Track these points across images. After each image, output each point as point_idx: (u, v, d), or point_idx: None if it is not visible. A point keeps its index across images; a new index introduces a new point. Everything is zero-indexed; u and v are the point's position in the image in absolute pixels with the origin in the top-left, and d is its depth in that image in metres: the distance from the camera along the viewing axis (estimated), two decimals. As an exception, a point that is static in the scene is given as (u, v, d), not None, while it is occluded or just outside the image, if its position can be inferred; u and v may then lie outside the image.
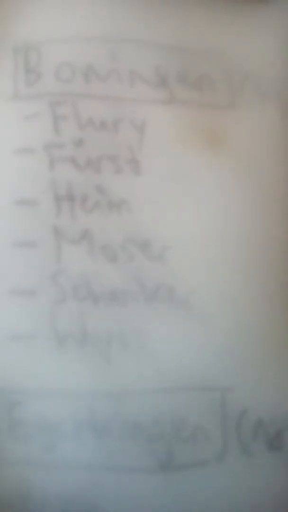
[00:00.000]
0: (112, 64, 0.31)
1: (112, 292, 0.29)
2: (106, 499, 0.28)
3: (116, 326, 0.29)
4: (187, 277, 0.30)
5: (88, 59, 0.31)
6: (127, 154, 0.30)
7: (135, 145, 0.30)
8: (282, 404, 0.30)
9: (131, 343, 0.29)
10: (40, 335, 0.29)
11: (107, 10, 0.32)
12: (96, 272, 0.29)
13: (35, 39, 0.31)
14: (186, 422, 0.29)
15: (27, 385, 0.28)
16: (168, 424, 0.29)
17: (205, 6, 0.33)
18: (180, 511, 0.28)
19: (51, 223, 0.29)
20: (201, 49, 0.32)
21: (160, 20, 0.32)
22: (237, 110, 0.32)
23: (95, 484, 0.28)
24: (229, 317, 0.30)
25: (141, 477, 0.28)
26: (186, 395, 0.29)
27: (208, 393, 0.29)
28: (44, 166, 0.30)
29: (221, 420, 0.29)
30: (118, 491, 0.28)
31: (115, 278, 0.29)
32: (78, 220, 0.30)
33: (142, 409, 0.28)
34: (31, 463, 0.28)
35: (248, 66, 0.32)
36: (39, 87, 0.31)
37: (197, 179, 0.31)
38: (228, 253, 0.30)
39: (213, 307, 0.30)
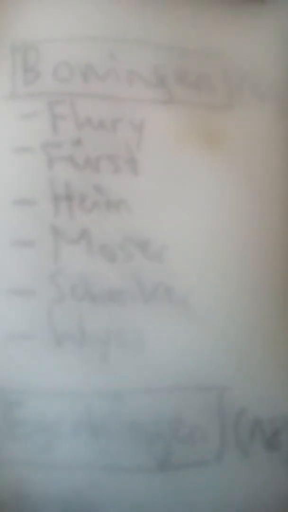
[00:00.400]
0: (111, 63, 0.31)
1: (110, 291, 0.29)
2: (104, 499, 0.28)
3: (114, 325, 0.29)
4: (185, 276, 0.30)
5: (87, 58, 0.31)
6: (125, 153, 0.30)
7: (134, 144, 0.30)
8: (279, 404, 0.30)
9: (129, 342, 0.29)
10: (38, 335, 0.29)
11: (106, 10, 0.32)
12: (94, 272, 0.29)
13: (33, 38, 0.31)
14: (184, 422, 0.29)
15: (26, 385, 0.28)
16: (166, 424, 0.29)
17: (204, 7, 0.33)
18: (178, 510, 0.28)
19: (49, 223, 0.29)
20: (199, 49, 0.32)
21: (159, 20, 0.32)
22: (235, 110, 0.32)
23: (93, 484, 0.28)
24: (227, 317, 0.30)
25: (139, 477, 0.28)
26: (184, 394, 0.29)
27: (206, 392, 0.29)
28: (42, 166, 0.30)
29: (219, 419, 0.29)
30: (116, 490, 0.28)
31: (114, 277, 0.29)
32: (77, 220, 0.30)
33: (140, 408, 0.28)
34: (30, 463, 0.28)
35: (246, 67, 0.32)
36: (37, 86, 0.31)
37: (195, 179, 0.31)
38: (226, 253, 0.30)
39: (211, 306, 0.30)
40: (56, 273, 0.29)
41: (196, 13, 0.33)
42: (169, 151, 0.31)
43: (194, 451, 0.29)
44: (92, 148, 0.30)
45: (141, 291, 0.29)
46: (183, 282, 0.30)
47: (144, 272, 0.29)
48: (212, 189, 0.31)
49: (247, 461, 0.29)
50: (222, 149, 0.31)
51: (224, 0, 0.33)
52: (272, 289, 0.31)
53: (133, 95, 0.31)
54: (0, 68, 0.31)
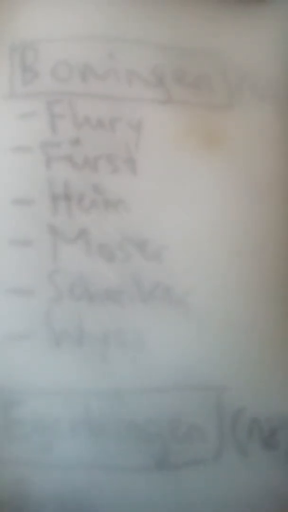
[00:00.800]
0: (110, 63, 0.31)
1: (109, 291, 0.29)
2: (103, 498, 0.28)
3: (112, 325, 0.29)
4: (183, 276, 0.30)
5: (86, 58, 0.31)
6: (124, 153, 0.30)
7: (132, 144, 0.31)
8: (277, 403, 0.30)
9: (127, 342, 0.29)
10: (37, 334, 0.28)
11: (104, 9, 0.32)
12: (92, 271, 0.29)
13: (32, 37, 0.31)
14: (182, 421, 0.29)
15: (24, 384, 0.28)
16: (164, 423, 0.29)
17: (203, 6, 0.33)
18: (176, 510, 0.28)
19: (48, 222, 0.29)
20: (198, 49, 0.32)
21: (157, 20, 0.32)
22: (234, 110, 0.32)
23: (91, 483, 0.28)
24: (225, 317, 0.30)
25: (137, 476, 0.28)
26: (182, 394, 0.29)
27: (204, 392, 0.29)
28: (40, 165, 0.30)
29: (217, 419, 0.29)
30: (115, 490, 0.28)
31: (112, 277, 0.29)
32: (75, 219, 0.30)
33: (139, 408, 0.28)
34: (28, 462, 0.28)
35: (246, 66, 0.32)
36: (36, 86, 0.30)
37: (193, 179, 0.31)
38: (224, 253, 0.30)
39: (209, 306, 0.30)
40: (55, 272, 0.29)
41: (196, 13, 0.33)
42: (168, 151, 0.31)
43: (193, 450, 0.29)
44: (90, 148, 0.30)
45: (139, 291, 0.29)
46: (182, 282, 0.30)
47: (142, 272, 0.29)
48: (211, 189, 0.31)
49: (245, 460, 0.29)
50: (221, 149, 0.31)
51: (224, 0, 0.33)
52: (271, 288, 0.31)
53: (132, 95, 0.31)
54: (-2, 67, 0.31)
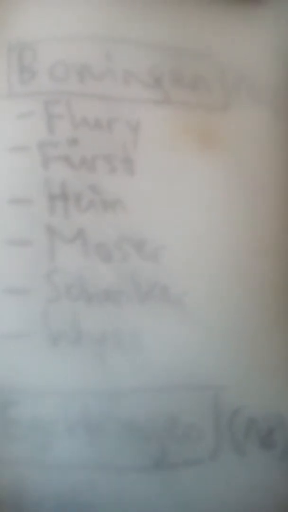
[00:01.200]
0: (107, 63, 0.31)
1: (106, 291, 0.29)
2: (100, 498, 0.28)
3: (110, 325, 0.29)
4: (181, 276, 0.30)
5: (83, 58, 0.31)
6: (121, 153, 0.30)
7: (130, 144, 0.31)
8: (274, 403, 0.30)
9: (124, 342, 0.29)
10: (34, 334, 0.29)
11: (102, 10, 0.32)
12: (90, 271, 0.29)
13: (29, 38, 0.31)
14: (179, 421, 0.29)
15: (21, 385, 0.28)
16: (161, 423, 0.29)
17: (201, 7, 0.33)
18: (174, 509, 0.28)
19: (45, 222, 0.29)
20: (195, 50, 0.32)
21: (155, 21, 0.32)
22: (230, 111, 0.32)
23: (89, 483, 0.28)
24: (222, 317, 0.30)
25: (135, 476, 0.28)
26: (179, 394, 0.29)
27: (201, 392, 0.29)
28: (38, 165, 0.30)
29: (214, 418, 0.29)
30: (112, 489, 0.28)
31: (109, 277, 0.29)
32: (72, 219, 0.30)
33: (136, 408, 0.29)
34: (26, 462, 0.28)
35: (242, 68, 0.33)
36: (33, 86, 0.30)
37: (191, 179, 0.31)
38: (222, 253, 0.30)
39: (206, 306, 0.30)
40: (52, 272, 0.29)
41: (193, 13, 0.33)
42: (165, 151, 0.31)
43: (190, 450, 0.29)
44: (88, 148, 0.30)
45: (136, 291, 0.29)
46: (179, 282, 0.30)
47: (140, 272, 0.30)
48: (208, 189, 0.31)
49: (242, 459, 0.29)
50: (218, 149, 0.31)
51: (221, 1, 0.33)
52: (267, 288, 0.31)
53: (129, 95, 0.31)
54: (-4, 67, 0.31)
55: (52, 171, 0.30)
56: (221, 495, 0.29)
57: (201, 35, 0.32)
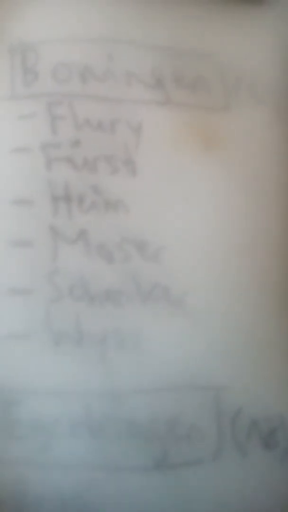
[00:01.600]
0: (109, 65, 0.31)
1: (108, 291, 0.29)
2: (102, 498, 0.28)
3: (111, 325, 0.29)
4: (182, 277, 0.30)
5: (85, 60, 0.31)
6: (123, 154, 0.30)
7: (131, 145, 0.31)
8: (276, 403, 0.30)
9: (126, 342, 0.29)
10: (36, 335, 0.29)
11: (104, 11, 0.32)
12: (92, 272, 0.29)
13: (32, 39, 0.31)
14: (181, 421, 0.29)
15: (23, 385, 0.28)
16: (163, 423, 0.29)
17: (201, 9, 0.33)
18: (175, 510, 0.28)
19: (48, 223, 0.30)
20: (197, 51, 0.32)
21: (156, 22, 0.32)
22: (231, 111, 0.32)
23: (91, 483, 0.28)
24: (223, 317, 0.30)
25: (136, 476, 0.28)
26: (181, 394, 0.29)
27: (203, 392, 0.29)
28: (40, 166, 0.30)
29: (215, 419, 0.29)
30: (114, 490, 0.28)
31: (111, 278, 0.29)
32: (75, 220, 0.30)
33: (138, 408, 0.29)
34: (28, 462, 0.28)
35: (242, 69, 0.33)
36: (36, 88, 0.31)
37: (192, 180, 0.31)
38: (223, 253, 0.30)
39: (208, 307, 0.30)
40: (54, 273, 0.29)
41: (194, 15, 0.33)
42: (167, 152, 0.31)
43: (191, 450, 0.29)
44: (90, 149, 0.30)
45: (138, 291, 0.29)
46: (180, 283, 0.30)
47: (141, 272, 0.30)
48: (209, 190, 0.31)
49: (244, 460, 0.29)
50: (219, 150, 0.31)
51: (222, 2, 0.33)
52: (269, 289, 0.31)
53: (131, 96, 0.31)
54: (-1, 69, 0.31)
55: (54, 172, 0.30)
56: (223, 496, 0.29)
57: (202, 36, 0.33)
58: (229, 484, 0.29)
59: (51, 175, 0.30)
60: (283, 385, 0.30)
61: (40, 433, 0.28)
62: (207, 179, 0.31)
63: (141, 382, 0.29)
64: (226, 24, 0.33)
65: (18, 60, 0.31)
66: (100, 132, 0.31)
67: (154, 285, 0.30)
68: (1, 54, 0.31)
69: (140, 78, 0.31)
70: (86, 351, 0.29)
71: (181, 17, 0.33)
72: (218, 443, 0.29)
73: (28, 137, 0.30)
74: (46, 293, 0.29)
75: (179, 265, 0.30)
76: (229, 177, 0.31)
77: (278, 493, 0.29)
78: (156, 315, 0.29)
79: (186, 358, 0.29)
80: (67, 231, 0.30)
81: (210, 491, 0.29)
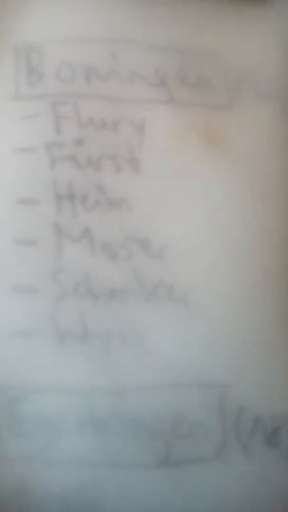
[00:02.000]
0: (113, 64, 0.31)
1: (112, 289, 0.29)
2: (106, 495, 0.28)
3: (115, 323, 0.29)
4: (186, 275, 0.30)
5: (89, 59, 0.31)
6: (127, 153, 0.31)
7: (135, 144, 0.31)
8: (280, 401, 0.30)
9: (130, 340, 0.29)
10: (41, 332, 0.29)
11: (108, 11, 0.32)
12: (96, 270, 0.29)
13: (36, 39, 0.31)
14: (185, 419, 0.29)
15: (28, 382, 0.28)
16: (167, 421, 0.29)
17: (204, 8, 0.33)
18: (179, 507, 0.28)
19: (52, 222, 0.30)
20: (200, 50, 0.32)
21: (160, 22, 0.32)
22: (235, 110, 0.32)
23: (94, 480, 0.28)
24: (227, 315, 0.30)
25: (140, 473, 0.28)
26: (185, 392, 0.29)
27: (207, 390, 0.29)
28: (45, 165, 0.30)
29: (219, 416, 0.29)
30: (118, 487, 0.28)
31: (115, 276, 0.30)
32: (79, 219, 0.30)
33: (142, 405, 0.29)
34: (32, 459, 0.28)
35: (246, 67, 0.33)
36: (40, 87, 0.31)
37: (195, 178, 0.31)
38: (226, 251, 0.30)
39: (211, 304, 0.30)
40: (58, 271, 0.29)
41: (197, 14, 0.33)
42: (170, 150, 0.31)
43: (195, 448, 0.29)
44: (94, 148, 0.31)
45: (142, 289, 0.29)
46: (184, 280, 0.30)
47: (145, 270, 0.30)
48: (213, 188, 0.31)
49: (248, 458, 0.29)
50: (223, 148, 0.31)
51: (225, 0, 0.33)
52: (273, 287, 0.31)
53: (135, 95, 0.31)
54: (4, 69, 0.31)
55: (59, 171, 0.30)
56: (226, 493, 0.29)
57: (205, 35, 0.33)
58: (233, 481, 0.29)
59: (55, 174, 0.30)
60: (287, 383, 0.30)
61: (44, 429, 0.28)
62: (211, 177, 0.31)
63: (145, 380, 0.29)
64: (229, 23, 0.33)
65: (22, 60, 0.31)
66: (104, 131, 0.31)
67: (158, 283, 0.30)
68: (6, 55, 0.31)
69: (143, 77, 0.32)
70: (91, 349, 0.29)
71: (185, 16, 0.33)
72: (221, 441, 0.29)
73: (32, 137, 0.30)
74: (50, 291, 0.29)
75: (183, 263, 0.30)
76: (233, 175, 0.31)
77: (281, 491, 0.29)
78: (160, 313, 0.29)
79: (189, 356, 0.29)
80: (71, 230, 0.30)
81: (214, 489, 0.29)
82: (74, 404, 0.28)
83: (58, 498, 0.28)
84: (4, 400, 0.28)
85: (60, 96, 0.31)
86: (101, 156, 0.30)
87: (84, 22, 0.32)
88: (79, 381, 0.29)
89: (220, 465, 0.29)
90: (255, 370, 0.30)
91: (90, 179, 0.30)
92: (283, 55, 0.33)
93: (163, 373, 0.29)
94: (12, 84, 0.31)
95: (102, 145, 0.31)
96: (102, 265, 0.30)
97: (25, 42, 0.31)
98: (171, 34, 0.32)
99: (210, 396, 0.29)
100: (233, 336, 0.30)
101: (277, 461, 0.29)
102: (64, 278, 0.29)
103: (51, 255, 0.29)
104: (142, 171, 0.31)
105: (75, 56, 0.31)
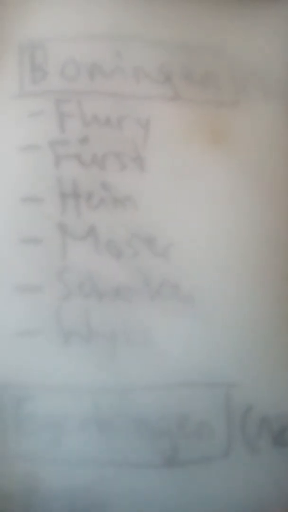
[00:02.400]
0: (117, 61, 0.31)
1: (117, 288, 0.29)
2: (111, 494, 0.28)
3: (120, 322, 0.29)
4: (191, 273, 0.30)
5: (93, 56, 0.31)
6: (132, 151, 0.31)
7: (140, 142, 0.31)
8: (286, 401, 0.30)
9: (135, 339, 0.29)
10: (46, 331, 0.29)
11: (112, 8, 0.32)
12: (101, 269, 0.29)
13: (40, 37, 0.31)
14: (191, 418, 0.29)
15: (33, 381, 0.28)
16: (173, 420, 0.29)
17: (210, 4, 0.33)
18: (184, 507, 0.28)
19: (57, 220, 0.30)
20: (205, 46, 0.32)
21: (165, 18, 0.32)
22: (241, 107, 0.32)
23: (100, 479, 0.28)
24: (233, 313, 0.30)
25: (146, 473, 0.28)
26: (191, 391, 0.29)
27: (213, 389, 0.29)
28: (49, 163, 0.30)
29: (225, 416, 0.29)
30: (123, 486, 0.28)
31: (120, 274, 0.29)
32: (84, 217, 0.30)
33: (147, 405, 0.29)
34: (38, 458, 0.28)
35: (252, 64, 0.33)
36: (44, 85, 0.31)
37: (201, 176, 0.31)
38: (232, 249, 0.30)
39: (217, 303, 0.30)
40: (63, 270, 0.29)
41: (203, 10, 0.33)
42: (176, 148, 0.31)
43: (201, 447, 0.29)
44: (98, 146, 0.30)
45: (147, 288, 0.29)
46: (190, 279, 0.30)
47: (150, 268, 0.30)
48: (219, 186, 0.31)
49: (254, 457, 0.29)
50: (229, 146, 0.31)
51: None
52: (280, 285, 0.30)
53: (140, 92, 0.31)
54: (8, 67, 0.31)
55: (63, 169, 0.30)
56: (232, 493, 0.29)
57: (211, 31, 0.32)
58: (239, 481, 0.29)
59: (59, 172, 0.30)
60: (294, 382, 0.30)
61: (49, 429, 0.28)
62: (216, 175, 0.31)
63: (150, 379, 0.29)
64: (234, 19, 0.33)
65: (26, 58, 0.31)
66: (108, 129, 0.31)
67: (163, 281, 0.30)
68: (10, 52, 0.31)
69: (148, 74, 0.31)
70: (96, 348, 0.29)
71: (190, 12, 0.33)
72: (228, 440, 0.29)
73: (36, 135, 0.30)
74: (55, 290, 0.29)
75: (188, 261, 0.30)
76: (239, 172, 0.31)
77: (288, 491, 0.29)
78: (165, 311, 0.29)
79: (195, 355, 0.29)
80: (76, 228, 0.30)
81: (220, 488, 0.29)
82: (80, 403, 0.28)
83: (63, 497, 0.28)
84: (9, 399, 0.28)
85: (64, 94, 0.31)
86: (105, 154, 0.30)
87: (88, 19, 0.32)
88: (84, 380, 0.29)
89: (226, 464, 0.29)
90: (262, 369, 0.30)
91: (95, 177, 0.30)
92: (289, 52, 0.33)
93: (169, 372, 0.29)
94: (16, 82, 0.31)
95: (107, 142, 0.30)
96: (107, 263, 0.29)
97: (29, 39, 0.31)
98: (176, 30, 0.32)
99: (216, 395, 0.29)
100: (239, 336, 0.30)
101: (284, 461, 0.29)
102: (69, 277, 0.29)
103: (56, 254, 0.29)
104: (147, 169, 0.30)
105: (79, 53, 0.31)
